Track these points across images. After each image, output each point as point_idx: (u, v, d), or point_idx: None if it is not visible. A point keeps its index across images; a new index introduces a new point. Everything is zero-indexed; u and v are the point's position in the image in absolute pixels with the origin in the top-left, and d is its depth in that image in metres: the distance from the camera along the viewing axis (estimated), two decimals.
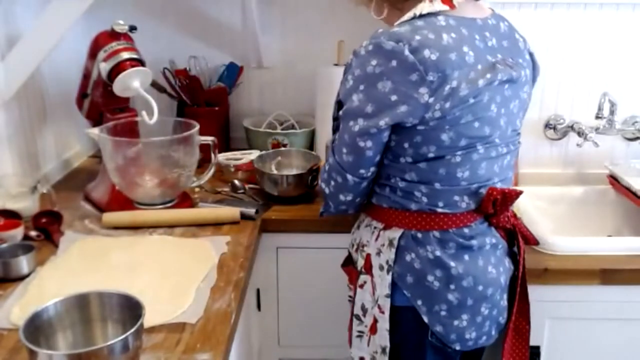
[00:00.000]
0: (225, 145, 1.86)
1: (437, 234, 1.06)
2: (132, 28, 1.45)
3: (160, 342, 0.93)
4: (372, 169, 1.06)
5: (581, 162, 1.75)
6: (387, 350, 1.09)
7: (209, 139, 1.44)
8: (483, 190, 1.06)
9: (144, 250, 1.25)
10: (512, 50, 1.07)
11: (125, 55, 1.40)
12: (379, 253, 1.10)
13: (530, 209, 1.46)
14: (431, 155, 1.01)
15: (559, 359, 1.36)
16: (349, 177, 1.06)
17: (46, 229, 1.30)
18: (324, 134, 1.63)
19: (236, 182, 1.59)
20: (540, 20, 1.62)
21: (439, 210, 1.05)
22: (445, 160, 1.02)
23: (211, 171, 1.50)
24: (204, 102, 1.84)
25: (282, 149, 1.73)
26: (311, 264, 1.50)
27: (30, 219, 1.31)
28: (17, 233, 1.23)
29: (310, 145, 1.84)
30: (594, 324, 1.34)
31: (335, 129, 1.14)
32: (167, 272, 1.14)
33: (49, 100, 1.63)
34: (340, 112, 1.04)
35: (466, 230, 1.07)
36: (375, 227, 1.13)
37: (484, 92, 1.00)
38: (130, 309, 0.87)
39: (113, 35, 1.42)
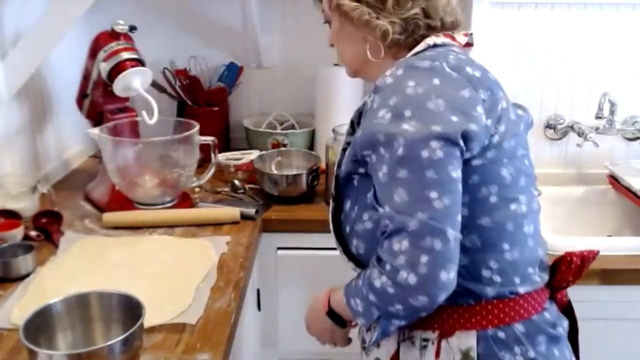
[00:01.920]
0: (225, 145, 1.86)
1: (520, 327, 0.83)
2: (132, 28, 1.45)
3: (160, 342, 0.93)
4: None
5: (581, 162, 1.75)
6: None
7: (209, 139, 1.44)
8: (542, 256, 0.89)
9: (144, 250, 1.25)
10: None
11: (125, 55, 1.40)
12: None
13: None
14: (493, 199, 0.81)
15: None
16: (450, 233, 0.75)
17: (46, 229, 1.29)
18: (324, 134, 1.63)
19: (236, 182, 1.59)
20: (540, 20, 1.62)
21: (521, 290, 0.84)
22: (511, 212, 0.82)
23: (211, 171, 1.50)
24: (204, 102, 1.84)
25: (282, 149, 1.73)
26: (311, 264, 1.50)
27: (30, 219, 1.31)
28: (17, 233, 1.23)
29: (310, 145, 1.84)
30: (593, 324, 1.33)
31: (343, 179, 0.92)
32: (167, 272, 1.14)
33: (49, 100, 1.63)
34: (399, 152, 0.77)
35: (547, 315, 0.87)
36: (424, 339, 0.85)
37: (519, 126, 0.86)
38: (130, 309, 0.87)
39: (113, 35, 1.42)
